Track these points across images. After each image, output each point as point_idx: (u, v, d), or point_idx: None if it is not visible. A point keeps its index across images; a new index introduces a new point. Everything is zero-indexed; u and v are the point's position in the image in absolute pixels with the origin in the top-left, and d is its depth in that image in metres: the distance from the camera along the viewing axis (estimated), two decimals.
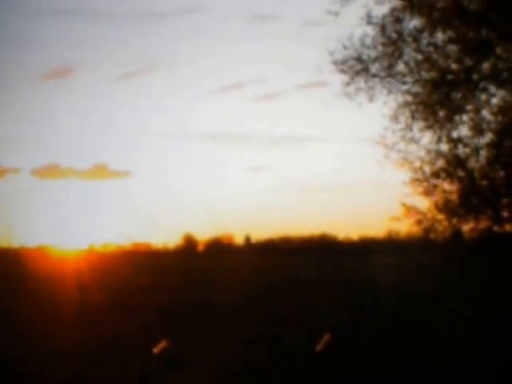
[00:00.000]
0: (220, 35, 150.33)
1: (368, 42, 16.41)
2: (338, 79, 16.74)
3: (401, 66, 16.49)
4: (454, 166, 16.65)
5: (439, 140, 16.72)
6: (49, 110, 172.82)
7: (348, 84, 16.57)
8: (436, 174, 16.64)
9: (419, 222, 16.68)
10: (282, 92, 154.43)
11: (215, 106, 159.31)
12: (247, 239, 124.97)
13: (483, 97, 16.89)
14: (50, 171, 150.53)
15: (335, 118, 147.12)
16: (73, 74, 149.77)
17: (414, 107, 16.68)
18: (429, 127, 16.74)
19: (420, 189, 16.72)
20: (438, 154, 16.74)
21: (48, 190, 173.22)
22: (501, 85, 16.99)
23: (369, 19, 16.30)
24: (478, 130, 16.84)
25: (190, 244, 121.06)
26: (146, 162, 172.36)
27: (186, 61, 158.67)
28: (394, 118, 16.78)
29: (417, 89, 16.67)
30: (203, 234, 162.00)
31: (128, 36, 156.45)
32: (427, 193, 16.68)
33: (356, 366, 13.99)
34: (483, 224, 16.68)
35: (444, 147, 16.75)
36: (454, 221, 16.78)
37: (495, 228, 16.60)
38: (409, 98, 16.77)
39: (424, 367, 14.26)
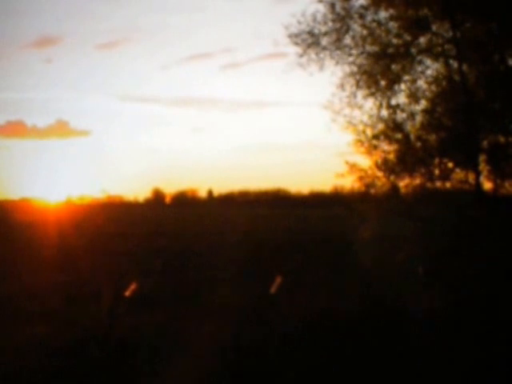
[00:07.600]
0: (194, 9, 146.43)
1: (319, 18, 16.45)
2: (295, 51, 16.83)
3: (348, 40, 16.62)
4: (392, 129, 16.85)
5: (380, 106, 16.94)
6: (26, 77, 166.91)
7: (301, 55, 16.60)
8: (376, 136, 16.85)
9: (361, 178, 16.91)
10: (248, 62, 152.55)
11: (185, 73, 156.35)
12: (210, 193, 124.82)
13: (419, 68, 17.11)
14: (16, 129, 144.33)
15: (292, 85, 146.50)
16: (51, 44, 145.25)
17: (358, 77, 16.82)
18: (371, 95, 16.91)
19: (362, 149, 16.96)
20: (379, 118, 16.96)
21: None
22: (435, 58, 17.17)
23: None
24: (414, 97, 17.07)
25: (158, 197, 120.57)
26: (111, 123, 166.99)
27: (158, 32, 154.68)
28: (341, 86, 16.92)
29: (361, 60, 16.81)
30: (170, 188, 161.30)
31: (105, 7, 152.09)
32: (368, 152, 16.90)
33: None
34: (417, 180, 16.96)
35: (384, 112, 17.00)
36: (392, 177, 17.05)
37: (428, 184, 16.88)
38: (354, 69, 16.94)
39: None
